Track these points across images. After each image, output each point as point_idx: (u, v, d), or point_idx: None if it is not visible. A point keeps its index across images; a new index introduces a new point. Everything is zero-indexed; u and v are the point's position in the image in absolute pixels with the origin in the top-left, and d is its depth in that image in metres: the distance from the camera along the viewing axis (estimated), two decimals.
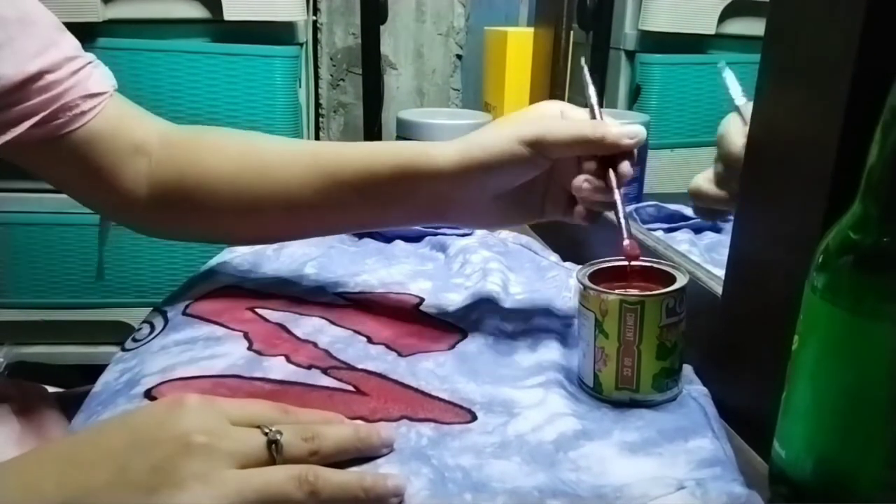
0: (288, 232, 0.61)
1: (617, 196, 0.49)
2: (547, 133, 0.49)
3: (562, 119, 0.52)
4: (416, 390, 0.49)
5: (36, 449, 0.38)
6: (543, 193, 0.54)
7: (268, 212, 0.56)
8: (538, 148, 0.49)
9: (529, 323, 0.59)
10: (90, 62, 0.55)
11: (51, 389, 0.75)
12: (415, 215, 0.56)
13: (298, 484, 0.35)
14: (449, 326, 0.58)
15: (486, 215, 0.55)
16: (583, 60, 0.54)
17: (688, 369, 0.51)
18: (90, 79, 0.54)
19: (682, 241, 0.72)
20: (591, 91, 0.53)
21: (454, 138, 0.85)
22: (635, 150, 0.50)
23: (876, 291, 0.33)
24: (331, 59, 1.62)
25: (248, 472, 0.35)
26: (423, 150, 0.52)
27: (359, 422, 0.44)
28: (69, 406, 0.72)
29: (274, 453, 0.36)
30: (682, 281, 0.46)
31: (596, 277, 0.48)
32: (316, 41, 1.57)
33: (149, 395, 0.47)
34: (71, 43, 0.54)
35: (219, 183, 0.56)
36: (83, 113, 0.53)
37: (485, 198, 0.53)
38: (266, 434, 0.37)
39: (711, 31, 0.92)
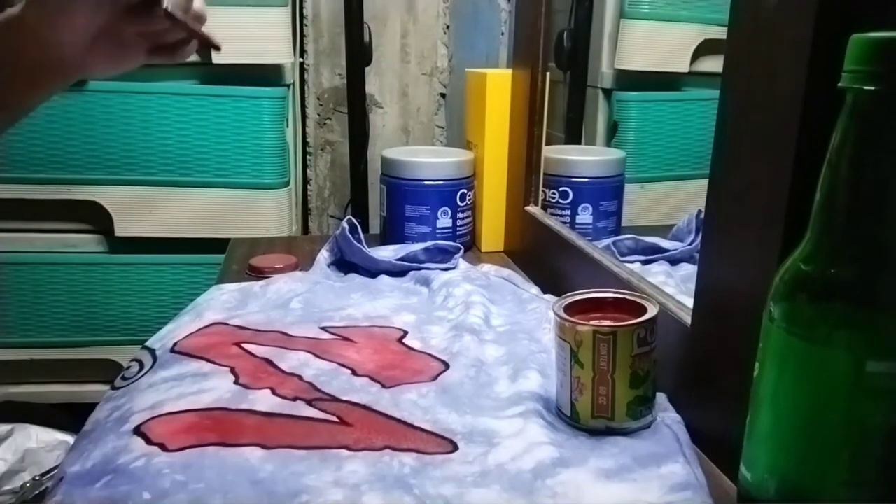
0: None
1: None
2: None
3: None
4: (399, 421, 0.50)
5: None
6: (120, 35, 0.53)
7: None
8: None
9: (510, 354, 0.61)
10: None
11: (39, 428, 0.75)
12: (20, 82, 0.53)
13: None
14: (432, 358, 0.60)
15: (78, 63, 0.53)
16: None
17: (662, 398, 0.52)
18: None
19: (658, 272, 0.74)
20: None
21: (438, 176, 0.89)
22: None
23: (827, 320, 0.35)
24: (317, 98, 1.66)
25: None
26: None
27: None
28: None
29: None
30: (652, 312, 0.48)
31: (571, 309, 0.50)
32: (303, 82, 1.60)
33: (138, 431, 0.48)
34: None
35: None
36: None
37: (58, 39, 0.50)
38: None
39: (685, 69, 0.95)
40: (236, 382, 0.55)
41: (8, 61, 0.52)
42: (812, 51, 0.38)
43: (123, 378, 0.57)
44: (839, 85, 0.33)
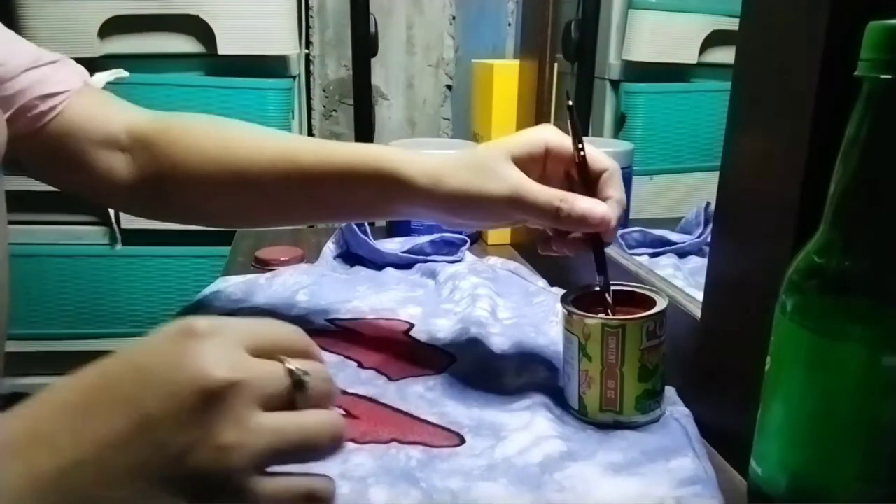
0: (273, 221, 0.68)
1: (599, 265, 0.50)
2: (522, 194, 0.48)
3: (544, 168, 0.51)
4: (406, 414, 0.50)
5: (41, 398, 0.33)
6: None
7: (249, 209, 0.60)
8: (510, 206, 0.49)
9: (517, 347, 0.60)
10: (51, 62, 0.56)
11: None
12: (392, 216, 0.61)
13: (332, 434, 0.32)
14: (438, 351, 0.60)
15: (463, 224, 0.57)
16: (568, 97, 0.52)
17: (671, 391, 0.52)
18: (49, 80, 0.55)
19: (666, 265, 0.73)
20: (577, 132, 0.51)
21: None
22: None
23: (840, 313, 0.34)
24: (323, 90, 1.65)
25: (281, 419, 0.31)
26: (399, 166, 0.52)
27: None
28: None
29: (297, 395, 0.32)
30: (661, 305, 0.48)
31: (580, 302, 0.50)
32: (308, 73, 1.60)
33: None
34: (25, 49, 0.56)
35: (197, 183, 0.57)
36: (42, 113, 0.55)
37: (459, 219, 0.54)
38: (291, 374, 0.32)
39: (693, 60, 0.95)
40: None
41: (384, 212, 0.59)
42: (827, 39, 0.37)
43: None
44: (855, 74, 0.32)
